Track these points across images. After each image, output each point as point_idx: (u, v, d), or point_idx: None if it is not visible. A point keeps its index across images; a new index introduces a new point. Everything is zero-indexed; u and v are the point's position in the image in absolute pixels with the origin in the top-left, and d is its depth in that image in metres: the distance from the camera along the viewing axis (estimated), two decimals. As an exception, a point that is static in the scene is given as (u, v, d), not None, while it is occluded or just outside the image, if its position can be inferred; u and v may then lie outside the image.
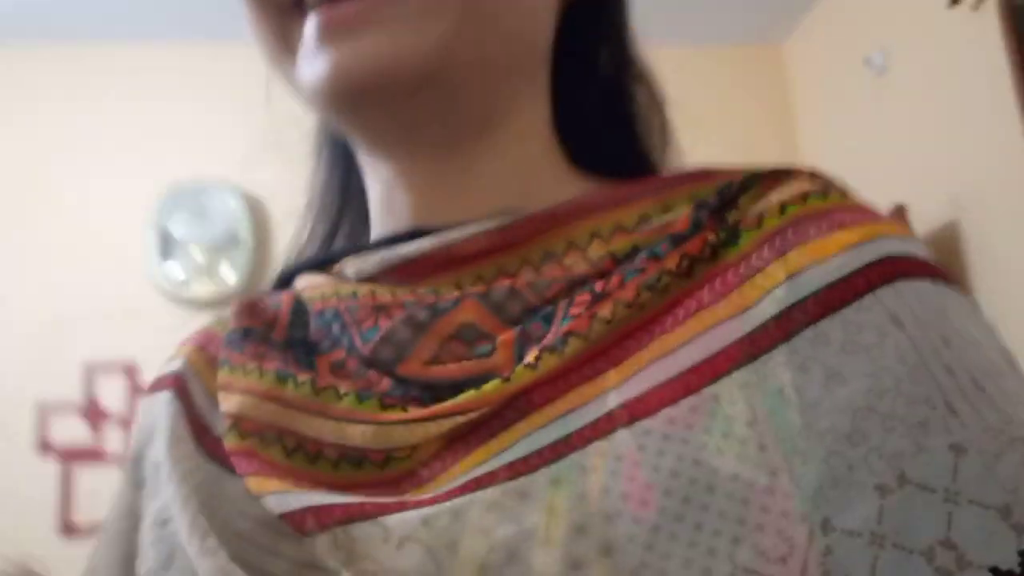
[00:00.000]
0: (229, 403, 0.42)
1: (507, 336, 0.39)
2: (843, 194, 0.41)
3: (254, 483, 0.38)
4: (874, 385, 0.34)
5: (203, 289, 2.84)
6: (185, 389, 0.46)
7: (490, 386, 0.37)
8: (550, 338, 0.38)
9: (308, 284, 0.47)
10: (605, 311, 0.38)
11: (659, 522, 0.33)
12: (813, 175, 0.42)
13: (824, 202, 0.40)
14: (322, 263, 0.48)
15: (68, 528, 2.65)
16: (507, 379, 0.37)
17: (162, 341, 2.42)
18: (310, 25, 0.41)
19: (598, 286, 0.39)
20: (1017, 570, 0.31)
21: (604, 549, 0.32)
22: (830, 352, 0.35)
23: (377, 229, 0.47)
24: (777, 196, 0.41)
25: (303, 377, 0.41)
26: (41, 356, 2.76)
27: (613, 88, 0.51)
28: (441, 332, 0.40)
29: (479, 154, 0.44)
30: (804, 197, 0.40)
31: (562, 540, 0.33)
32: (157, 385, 0.49)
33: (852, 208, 0.40)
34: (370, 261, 0.44)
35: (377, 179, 0.46)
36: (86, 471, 2.71)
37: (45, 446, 2.73)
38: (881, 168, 2.55)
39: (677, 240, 0.39)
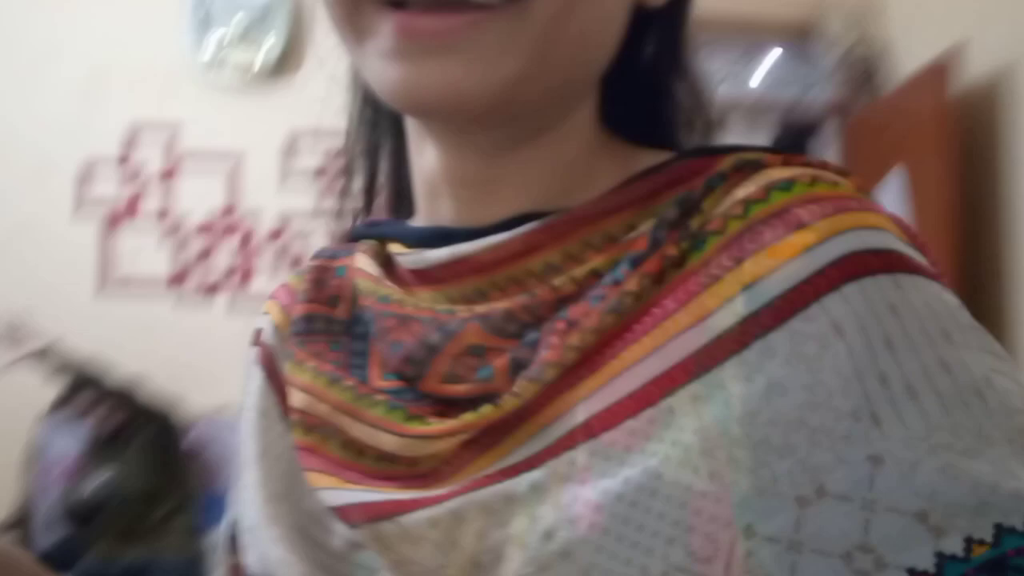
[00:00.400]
0: (294, 399, 0.48)
1: (502, 362, 0.43)
2: (812, 181, 0.41)
3: (313, 478, 0.45)
4: (808, 398, 0.36)
5: (236, 60, 2.82)
6: (270, 357, 0.52)
7: (486, 409, 0.41)
8: (532, 368, 0.41)
9: (362, 265, 0.51)
10: (574, 339, 0.41)
11: (609, 526, 0.37)
12: (786, 160, 0.43)
13: (787, 195, 0.40)
14: (381, 235, 0.52)
15: (105, 282, 2.74)
16: (498, 405, 0.41)
17: (199, 107, 2.45)
18: (387, 26, 0.40)
19: (571, 312, 0.42)
20: (932, 570, 0.34)
21: (564, 553, 0.37)
22: (775, 364, 0.37)
23: (419, 202, 0.49)
24: (743, 192, 0.41)
25: (348, 382, 0.47)
26: (83, 112, 2.77)
27: (659, 87, 0.51)
28: (452, 352, 0.44)
29: (527, 156, 0.45)
30: (767, 192, 0.41)
31: (533, 544, 0.38)
32: (254, 339, 0.55)
33: (817, 198, 0.40)
34: (406, 261, 0.48)
35: (423, 157, 0.48)
36: (124, 228, 2.78)
37: (86, 201, 2.78)
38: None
39: (635, 261, 0.41)
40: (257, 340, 0.54)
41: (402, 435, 0.44)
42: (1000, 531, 0.34)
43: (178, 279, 2.76)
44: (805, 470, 0.35)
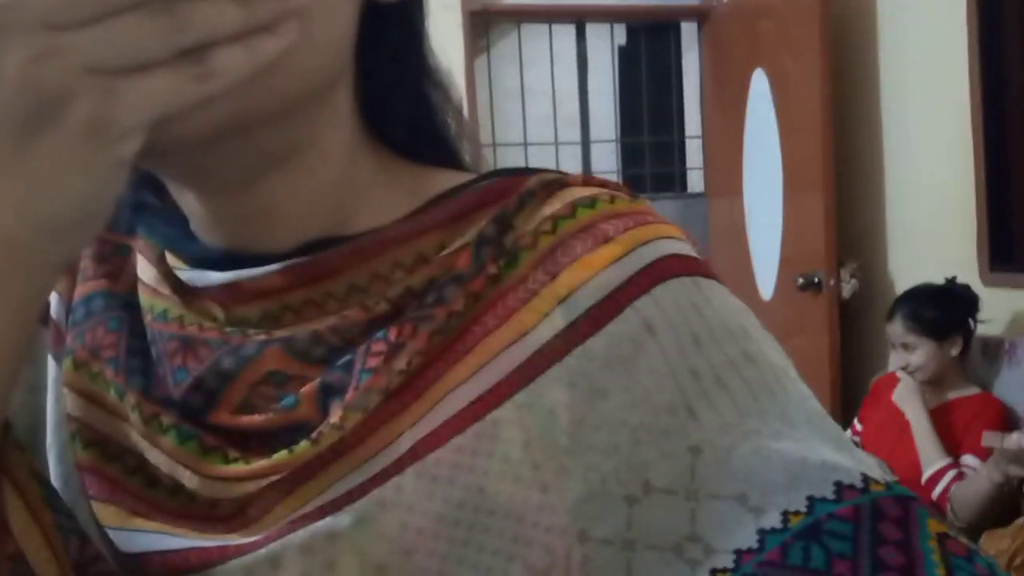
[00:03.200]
0: (73, 405, 0.43)
1: (309, 389, 0.40)
2: (611, 198, 0.43)
3: (100, 510, 0.41)
4: (628, 399, 0.38)
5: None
6: (62, 341, 0.46)
7: (301, 448, 0.39)
8: (352, 395, 0.39)
9: (141, 271, 0.46)
10: (400, 362, 0.39)
11: (448, 551, 0.37)
12: (586, 180, 0.45)
13: (591, 212, 0.42)
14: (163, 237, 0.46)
15: None
16: (316, 440, 0.38)
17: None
18: None
19: (392, 333, 0.40)
20: (756, 547, 0.36)
21: None
22: (595, 367, 0.38)
23: (193, 222, 0.44)
24: (550, 208, 0.43)
25: (133, 398, 0.42)
26: None
27: (414, 89, 0.49)
28: (249, 379, 0.41)
29: (281, 186, 0.42)
30: (573, 208, 0.42)
31: None
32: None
33: (619, 214, 0.42)
34: (184, 275, 0.43)
35: (183, 197, 0.43)
36: None
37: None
38: None
39: (461, 280, 0.41)
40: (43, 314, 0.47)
41: (203, 475, 0.40)
42: (812, 501, 0.36)
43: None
44: (631, 468, 0.37)
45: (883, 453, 2.29)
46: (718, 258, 3.41)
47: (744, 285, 3.24)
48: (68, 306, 0.47)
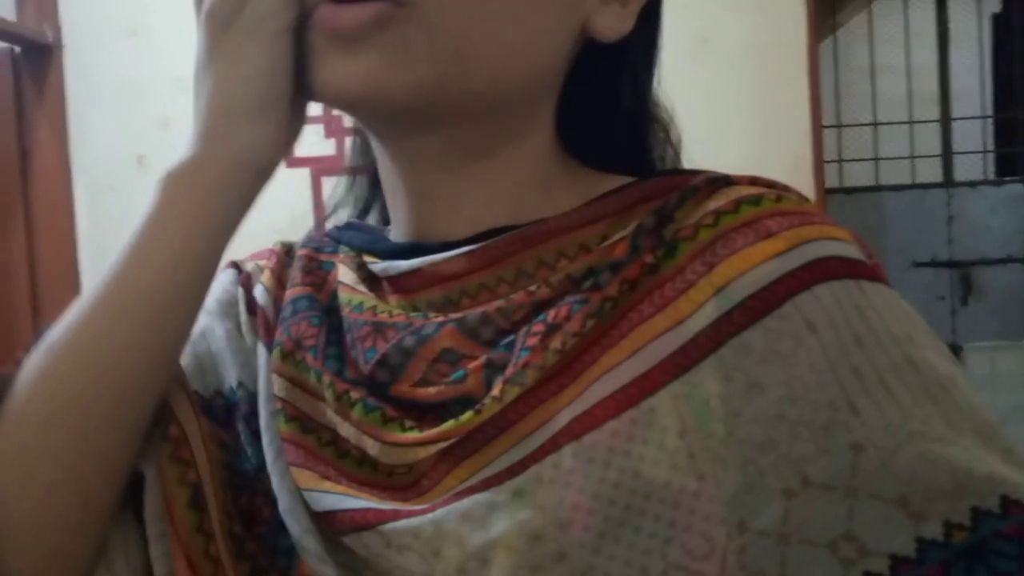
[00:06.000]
0: (279, 387, 0.49)
1: (476, 364, 0.43)
2: (778, 198, 0.43)
3: (296, 474, 0.45)
4: (786, 393, 0.38)
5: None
6: (270, 331, 0.52)
7: (465, 417, 0.42)
8: (511, 371, 0.42)
9: (341, 276, 0.52)
10: (556, 342, 0.41)
11: (604, 529, 0.38)
12: (753, 180, 0.45)
13: (756, 208, 0.42)
14: (359, 246, 0.52)
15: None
16: (479, 411, 0.41)
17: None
18: (313, 29, 0.43)
19: (550, 315, 0.42)
20: (914, 556, 0.36)
21: (558, 555, 0.38)
22: (751, 361, 0.39)
23: (390, 214, 0.52)
24: (713, 204, 0.43)
25: (328, 378, 0.47)
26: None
27: (629, 124, 0.51)
28: (426, 356, 0.45)
29: (476, 175, 0.47)
30: (737, 205, 0.43)
31: (522, 547, 0.38)
32: (247, 304, 0.54)
33: (784, 212, 0.42)
34: (376, 268, 0.49)
35: (385, 172, 0.50)
36: (330, 181, 2.89)
37: (294, 160, 2.91)
38: None
39: (616, 267, 0.42)
40: (254, 306, 0.54)
41: (383, 441, 0.44)
42: (977, 515, 0.36)
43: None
44: (789, 462, 0.37)
45: None
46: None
47: None
48: (276, 305, 0.53)
